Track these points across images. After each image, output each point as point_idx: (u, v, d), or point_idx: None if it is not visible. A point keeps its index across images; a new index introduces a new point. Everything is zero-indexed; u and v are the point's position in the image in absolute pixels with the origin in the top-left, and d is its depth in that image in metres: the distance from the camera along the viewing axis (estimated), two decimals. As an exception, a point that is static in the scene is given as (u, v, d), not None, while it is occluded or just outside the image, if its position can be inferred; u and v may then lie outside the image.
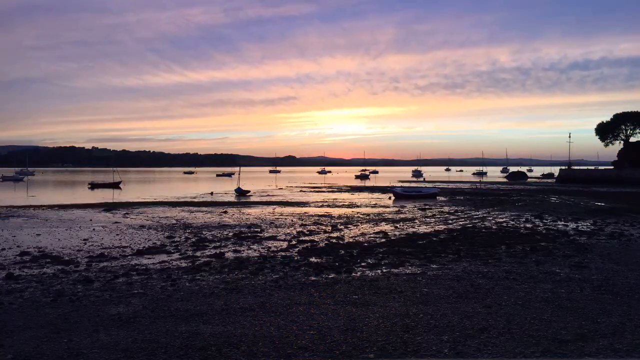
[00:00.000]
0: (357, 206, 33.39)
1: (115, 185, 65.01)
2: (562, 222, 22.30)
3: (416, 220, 23.59)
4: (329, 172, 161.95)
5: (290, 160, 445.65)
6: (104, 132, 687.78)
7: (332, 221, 23.57)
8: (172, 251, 14.93)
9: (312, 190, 57.92)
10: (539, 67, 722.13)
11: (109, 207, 32.23)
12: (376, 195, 47.08)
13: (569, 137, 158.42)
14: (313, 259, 13.18)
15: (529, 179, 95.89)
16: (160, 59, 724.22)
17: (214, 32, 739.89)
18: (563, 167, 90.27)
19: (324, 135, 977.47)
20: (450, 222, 22.93)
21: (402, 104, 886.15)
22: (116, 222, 23.31)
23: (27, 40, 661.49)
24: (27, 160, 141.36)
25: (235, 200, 40.53)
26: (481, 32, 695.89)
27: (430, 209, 30.36)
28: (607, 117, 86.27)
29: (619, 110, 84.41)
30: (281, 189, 61.34)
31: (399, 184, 66.07)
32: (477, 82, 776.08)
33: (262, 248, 15.47)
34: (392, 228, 20.63)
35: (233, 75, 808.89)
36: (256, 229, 20.38)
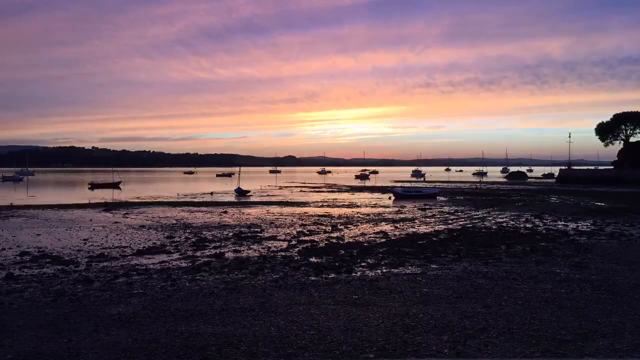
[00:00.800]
0: (357, 206, 33.38)
1: (114, 185, 65.06)
2: (562, 222, 22.30)
3: (416, 220, 23.59)
4: (329, 172, 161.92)
5: (291, 161, 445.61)
6: (114, 131, 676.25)
7: (332, 221, 23.57)
8: (172, 251, 14.92)
9: (312, 190, 57.91)
10: (589, 62, 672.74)
11: (109, 207, 32.23)
12: (376, 195, 47.08)
13: (569, 137, 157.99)
14: (313, 259, 13.17)
15: (529, 179, 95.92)
16: (191, 55, 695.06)
17: (255, 25, 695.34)
18: (563, 167, 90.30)
19: (335, 135, 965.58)
20: (450, 222, 22.93)
21: (427, 103, 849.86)
22: (116, 222, 23.31)
23: (53, 35, 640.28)
24: (27, 160, 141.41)
25: (235, 200, 40.53)
26: (540, 25, 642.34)
27: (430, 209, 30.35)
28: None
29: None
30: (281, 189, 61.36)
31: (399, 184, 66.13)
32: (515, 78, 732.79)
33: (262, 248, 15.46)
34: (392, 228, 20.63)
35: (263, 73, 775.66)
36: (256, 229, 20.38)
